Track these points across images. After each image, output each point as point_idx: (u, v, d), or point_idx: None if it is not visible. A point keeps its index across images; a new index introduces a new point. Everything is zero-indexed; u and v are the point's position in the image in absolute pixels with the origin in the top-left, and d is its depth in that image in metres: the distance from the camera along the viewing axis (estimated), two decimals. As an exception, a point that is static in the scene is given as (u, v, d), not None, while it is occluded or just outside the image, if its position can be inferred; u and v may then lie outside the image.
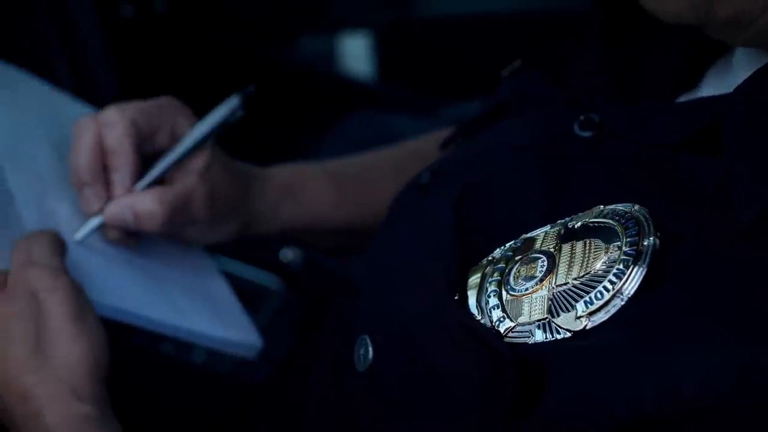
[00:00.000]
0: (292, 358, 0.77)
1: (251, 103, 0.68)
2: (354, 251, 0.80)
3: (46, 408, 0.53)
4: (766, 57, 0.50)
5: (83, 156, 0.64)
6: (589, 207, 0.48)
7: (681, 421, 0.39)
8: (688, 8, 0.47)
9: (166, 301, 0.68)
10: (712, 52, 0.55)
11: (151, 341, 0.81)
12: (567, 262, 0.45)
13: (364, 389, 0.53)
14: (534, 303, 0.45)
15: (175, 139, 0.67)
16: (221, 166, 0.68)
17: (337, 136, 1.21)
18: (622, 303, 0.42)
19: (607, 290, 0.43)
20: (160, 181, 0.67)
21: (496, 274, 0.48)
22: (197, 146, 0.67)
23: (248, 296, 0.79)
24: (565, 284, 0.45)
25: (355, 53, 1.65)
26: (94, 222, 0.65)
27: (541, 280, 0.46)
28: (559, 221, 0.49)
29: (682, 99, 0.55)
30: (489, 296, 0.47)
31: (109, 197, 0.65)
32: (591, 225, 0.46)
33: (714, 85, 0.54)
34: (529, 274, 0.46)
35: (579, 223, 0.47)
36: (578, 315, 0.43)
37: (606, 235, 0.45)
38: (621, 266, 0.43)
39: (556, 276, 0.45)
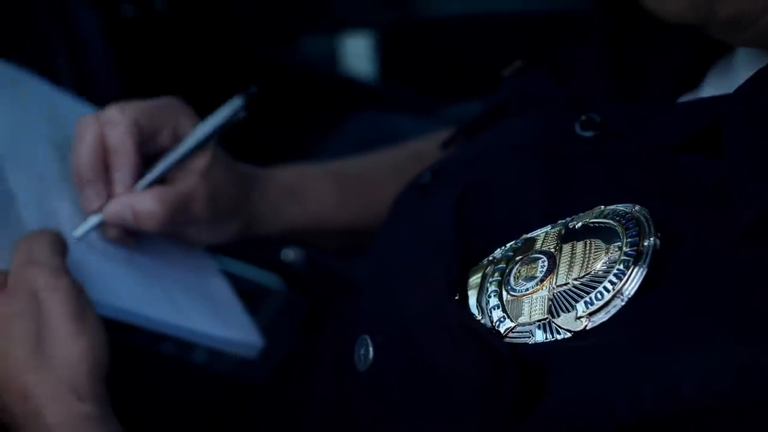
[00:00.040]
0: (293, 358, 0.77)
1: (253, 103, 0.68)
2: (356, 251, 0.80)
3: (46, 407, 0.53)
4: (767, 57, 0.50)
5: (85, 154, 0.64)
6: (590, 207, 0.48)
7: (681, 421, 0.39)
8: (688, 8, 0.47)
9: (167, 300, 0.68)
10: (714, 52, 0.55)
11: (152, 341, 0.81)
12: (567, 263, 0.45)
13: (364, 389, 0.53)
14: (534, 303, 0.45)
15: (177, 139, 0.67)
16: (223, 167, 0.68)
17: (339, 136, 1.21)
18: (623, 303, 0.43)
19: (608, 290, 0.43)
20: (161, 180, 0.67)
21: (496, 275, 0.48)
22: (199, 146, 0.67)
23: (249, 296, 0.79)
24: (566, 284, 0.45)
25: (357, 53, 1.65)
26: (94, 220, 0.65)
27: (542, 281, 0.46)
28: (559, 221, 0.49)
29: (683, 99, 0.55)
30: (489, 296, 0.47)
31: (110, 196, 0.65)
32: (591, 225, 0.46)
33: (715, 86, 0.54)
34: (530, 274, 0.46)
35: (579, 224, 0.47)
36: (578, 315, 0.43)
37: (606, 235, 0.45)
38: (621, 266, 0.43)
39: (557, 276, 0.45)
